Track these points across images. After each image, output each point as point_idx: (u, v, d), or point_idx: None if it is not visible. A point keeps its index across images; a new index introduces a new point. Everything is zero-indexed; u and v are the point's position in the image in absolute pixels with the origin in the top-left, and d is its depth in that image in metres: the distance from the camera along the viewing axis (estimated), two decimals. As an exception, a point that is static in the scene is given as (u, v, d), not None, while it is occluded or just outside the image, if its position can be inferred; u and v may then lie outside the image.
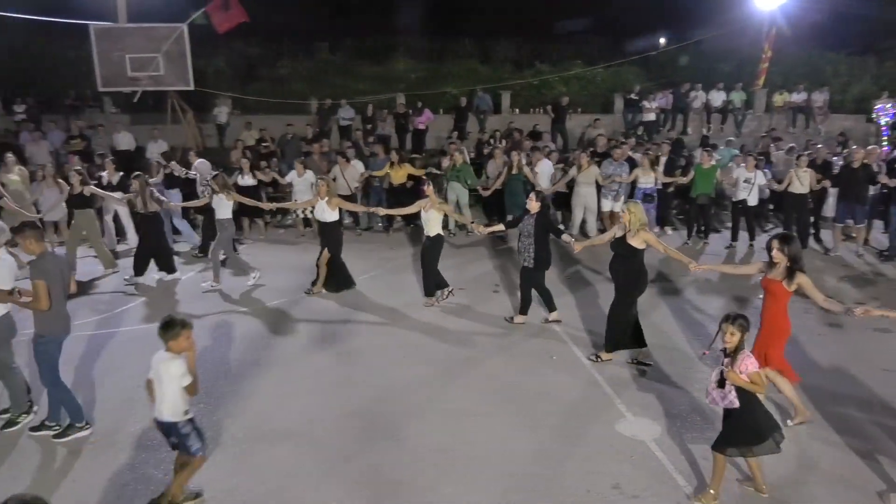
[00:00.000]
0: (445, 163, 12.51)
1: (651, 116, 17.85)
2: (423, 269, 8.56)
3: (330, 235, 8.88)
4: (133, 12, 14.16)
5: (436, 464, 4.97)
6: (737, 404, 4.39)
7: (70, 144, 15.11)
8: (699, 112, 18.61)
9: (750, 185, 10.91)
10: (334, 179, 10.67)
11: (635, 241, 6.39)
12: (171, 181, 11.54)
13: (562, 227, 10.41)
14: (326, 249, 8.79)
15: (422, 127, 17.57)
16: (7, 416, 5.54)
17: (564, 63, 21.95)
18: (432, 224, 8.29)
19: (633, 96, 18.21)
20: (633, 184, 11.40)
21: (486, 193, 12.15)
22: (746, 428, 4.44)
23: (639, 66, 21.68)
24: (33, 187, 11.23)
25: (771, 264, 5.43)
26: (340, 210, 9.08)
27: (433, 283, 8.45)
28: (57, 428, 5.40)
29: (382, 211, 9.68)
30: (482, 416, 5.68)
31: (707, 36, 20.55)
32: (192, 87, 14.14)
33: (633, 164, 11.75)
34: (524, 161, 11.86)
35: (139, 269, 9.28)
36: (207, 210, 9.78)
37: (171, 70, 13.58)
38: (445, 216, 8.84)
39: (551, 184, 11.96)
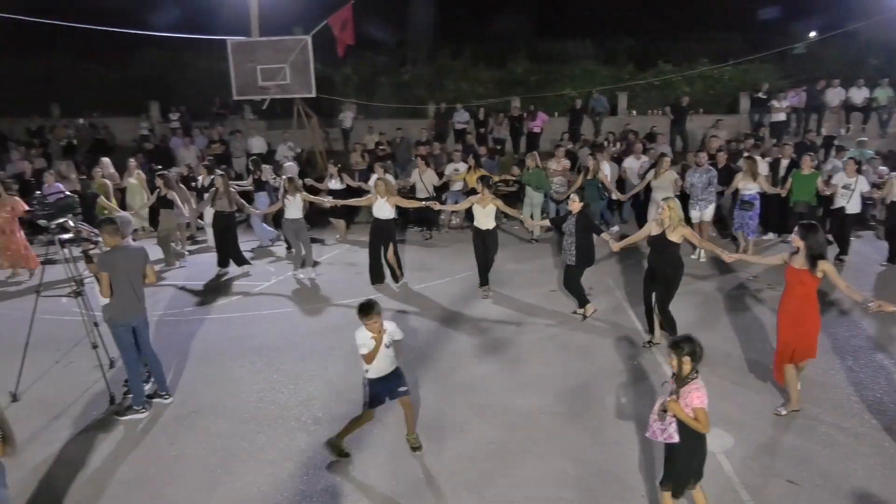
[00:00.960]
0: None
1: (780, 116, 16.66)
2: (477, 261, 9.17)
3: (387, 231, 9.56)
4: (264, 27, 15.44)
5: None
6: (676, 439, 3.97)
7: (211, 148, 16.72)
8: (836, 111, 17.16)
9: (849, 192, 10.11)
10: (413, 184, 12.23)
11: (674, 237, 6.74)
12: (258, 185, 12.65)
13: (604, 227, 10.78)
14: (383, 244, 9.57)
15: (536, 130, 17.66)
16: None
17: (690, 62, 21.02)
18: (484, 218, 8.94)
19: (760, 95, 17.13)
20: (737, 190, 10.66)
21: (560, 199, 12.38)
22: (686, 467, 4.05)
23: (773, 63, 20.29)
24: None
25: (794, 253, 5.61)
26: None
27: (485, 274, 9.17)
28: (168, 398, 6.15)
29: (437, 206, 10.24)
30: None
31: (853, 27, 18.80)
32: (314, 95, 15.14)
33: (731, 172, 11.07)
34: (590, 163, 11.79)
35: (223, 262, 10.58)
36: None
37: (296, 79, 14.65)
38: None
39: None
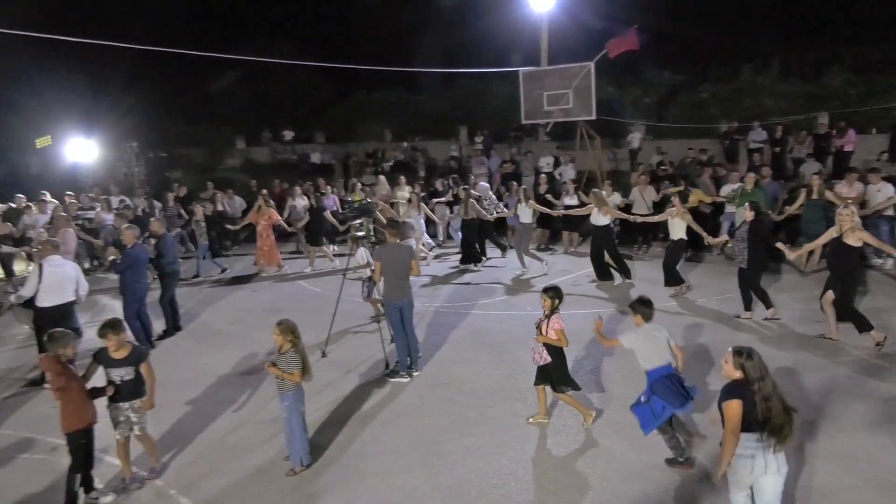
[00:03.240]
0: (729, 188, 12.83)
1: None
2: (664, 266, 10.37)
3: (602, 236, 11.20)
4: (552, 56, 16.75)
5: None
6: (549, 360, 5.83)
7: (503, 167, 18.55)
8: None
9: None
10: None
11: (851, 240, 7.45)
12: (456, 199, 14.42)
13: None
14: (602, 247, 11.16)
15: (848, 148, 15.84)
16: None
17: None
18: (676, 229, 10.17)
19: None
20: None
21: (779, 218, 12.02)
22: (559, 374, 5.90)
23: None
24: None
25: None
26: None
27: (674, 277, 10.28)
28: (406, 373, 7.52)
29: (639, 218, 12.05)
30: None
31: None
32: (594, 117, 15.86)
33: None
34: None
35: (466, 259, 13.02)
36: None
37: (578, 102, 15.56)
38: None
39: None
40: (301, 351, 5.38)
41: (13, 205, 14.85)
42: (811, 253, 10.31)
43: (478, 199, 13.29)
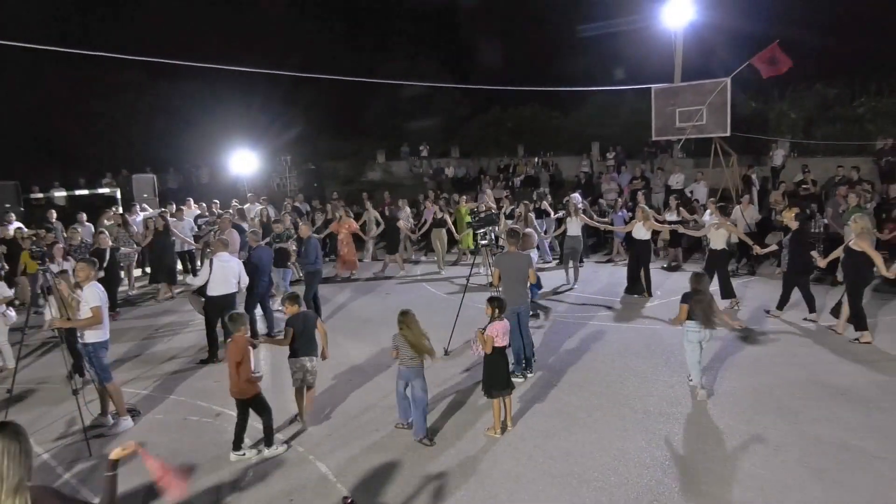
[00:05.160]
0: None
1: None
2: (717, 276, 10.68)
3: (641, 250, 11.76)
4: (686, 71, 16.50)
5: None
6: (482, 354, 6.48)
7: (633, 183, 18.48)
8: None
9: None
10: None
11: (856, 246, 8.57)
12: (538, 213, 15.03)
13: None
14: (640, 261, 11.75)
15: None
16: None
17: None
18: (718, 240, 10.83)
19: None
20: None
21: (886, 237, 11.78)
22: (489, 376, 6.49)
23: None
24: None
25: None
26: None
27: (729, 288, 10.74)
28: (521, 374, 7.98)
29: (681, 229, 12.85)
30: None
31: None
32: (728, 134, 15.44)
33: None
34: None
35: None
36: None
37: (712, 119, 15.24)
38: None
39: None
40: (407, 337, 6.27)
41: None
42: None
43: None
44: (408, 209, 16.55)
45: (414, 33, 34.84)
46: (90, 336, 6.85)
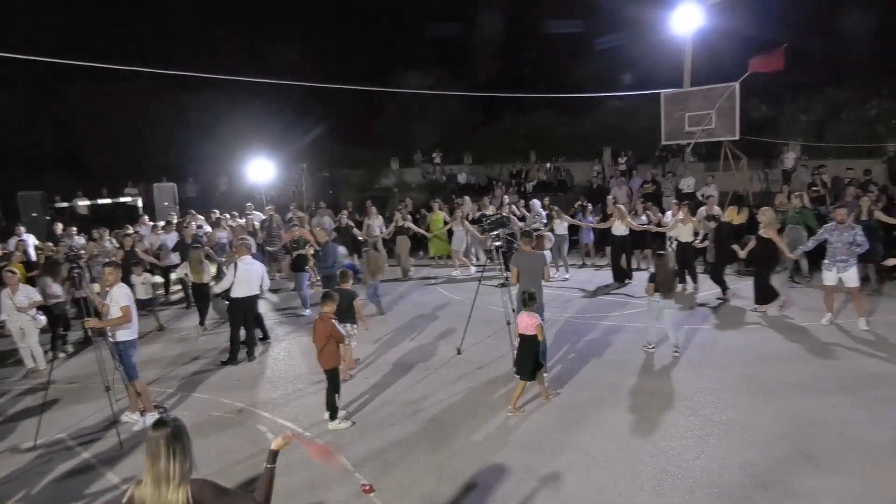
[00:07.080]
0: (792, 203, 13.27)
1: None
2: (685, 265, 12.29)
3: (621, 245, 13.42)
4: (695, 76, 16.70)
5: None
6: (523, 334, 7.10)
7: (643, 188, 18.66)
8: None
9: None
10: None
11: (765, 234, 10.22)
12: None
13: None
14: (621, 254, 13.41)
15: None
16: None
17: None
18: (684, 234, 12.16)
19: None
20: None
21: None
22: (517, 359, 7.21)
23: None
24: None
25: None
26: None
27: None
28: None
29: (653, 229, 13.56)
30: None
31: None
32: (737, 137, 15.61)
33: None
34: None
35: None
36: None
37: (721, 123, 15.42)
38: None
39: None
40: None
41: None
42: None
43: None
44: (380, 217, 16.97)
45: (427, 41, 35.26)
46: (121, 335, 7.21)
